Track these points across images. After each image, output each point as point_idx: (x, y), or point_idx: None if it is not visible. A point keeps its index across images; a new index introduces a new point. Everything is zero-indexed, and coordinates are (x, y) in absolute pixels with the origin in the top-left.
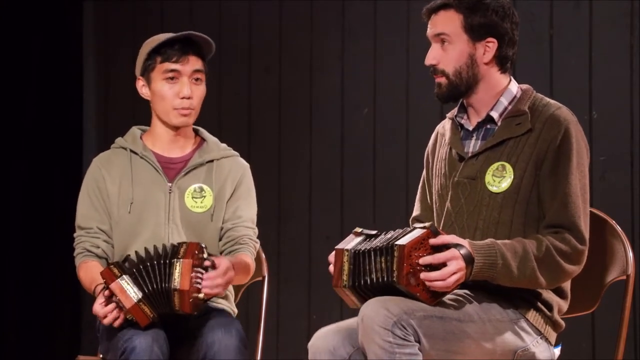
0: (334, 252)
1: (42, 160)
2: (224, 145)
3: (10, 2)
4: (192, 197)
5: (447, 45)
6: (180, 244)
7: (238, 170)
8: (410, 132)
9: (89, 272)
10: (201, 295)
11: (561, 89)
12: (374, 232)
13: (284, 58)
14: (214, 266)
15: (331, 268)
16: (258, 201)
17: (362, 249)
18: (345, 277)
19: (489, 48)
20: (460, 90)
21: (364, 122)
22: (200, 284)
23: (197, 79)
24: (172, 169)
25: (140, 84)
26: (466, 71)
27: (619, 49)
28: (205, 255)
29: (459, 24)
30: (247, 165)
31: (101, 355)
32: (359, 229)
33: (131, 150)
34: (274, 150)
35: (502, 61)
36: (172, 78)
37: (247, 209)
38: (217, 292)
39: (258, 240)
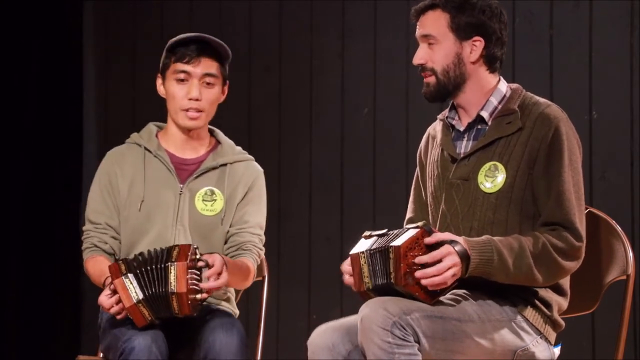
0: (348, 261)
1: (42, 160)
2: (239, 148)
3: (10, 2)
4: (203, 200)
5: (434, 45)
6: (172, 247)
7: (251, 174)
8: (410, 132)
9: (98, 265)
10: (199, 297)
11: (561, 89)
12: (382, 231)
13: (284, 58)
14: (207, 265)
15: (346, 278)
16: None
17: (373, 248)
18: (366, 280)
19: (475, 47)
20: (447, 89)
21: (364, 122)
22: (197, 285)
23: (208, 83)
24: (184, 170)
25: (159, 82)
26: (453, 70)
27: (619, 49)
28: (198, 256)
29: (445, 23)
30: (261, 170)
31: (102, 354)
32: (367, 232)
33: (145, 148)
34: (274, 150)
35: (490, 61)
36: (182, 79)
37: (255, 214)
38: (219, 284)
39: (263, 248)
